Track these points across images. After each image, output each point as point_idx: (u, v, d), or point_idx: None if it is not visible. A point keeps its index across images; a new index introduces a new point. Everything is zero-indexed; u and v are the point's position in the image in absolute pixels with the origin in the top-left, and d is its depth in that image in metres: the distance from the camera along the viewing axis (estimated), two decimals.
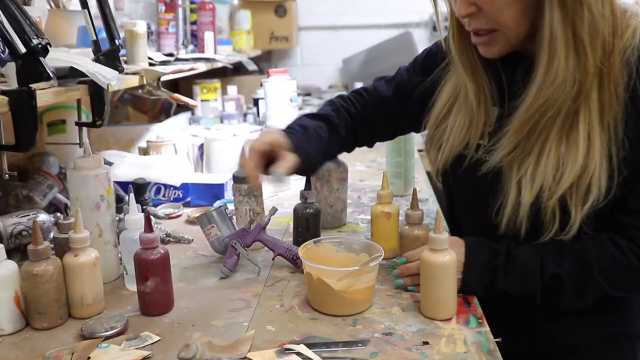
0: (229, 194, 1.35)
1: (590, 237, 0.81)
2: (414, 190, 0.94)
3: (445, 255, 0.79)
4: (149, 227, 0.83)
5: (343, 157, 1.23)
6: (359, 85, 2.50)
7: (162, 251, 0.83)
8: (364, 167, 1.72)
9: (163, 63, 1.39)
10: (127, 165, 1.38)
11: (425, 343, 0.75)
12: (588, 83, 0.76)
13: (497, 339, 0.76)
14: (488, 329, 0.78)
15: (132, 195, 0.93)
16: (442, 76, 0.96)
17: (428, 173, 1.66)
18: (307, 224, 1.03)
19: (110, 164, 1.34)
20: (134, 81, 1.19)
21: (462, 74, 0.89)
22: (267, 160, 0.90)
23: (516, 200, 0.82)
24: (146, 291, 0.82)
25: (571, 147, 0.78)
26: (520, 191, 0.81)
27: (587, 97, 0.76)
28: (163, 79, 1.26)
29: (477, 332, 0.77)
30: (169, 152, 1.52)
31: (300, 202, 1.04)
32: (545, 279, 0.81)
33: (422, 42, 2.91)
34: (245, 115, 2.10)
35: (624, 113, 0.77)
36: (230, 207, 1.12)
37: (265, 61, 3.04)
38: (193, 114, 2.07)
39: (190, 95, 2.05)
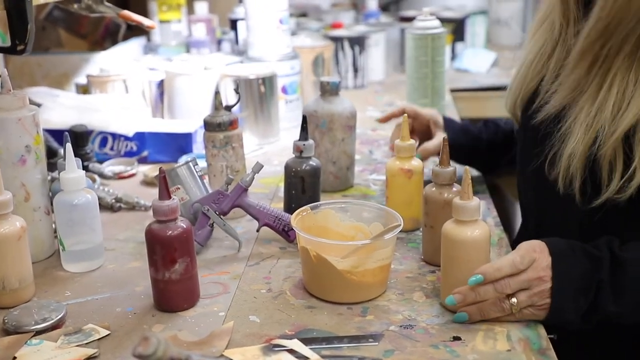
0: (198, 146, 1.35)
1: None
2: (444, 140, 0.93)
3: (475, 229, 0.79)
4: (166, 192, 0.79)
5: (351, 99, 1.23)
6: (372, 3, 2.47)
7: (184, 224, 0.81)
8: (378, 112, 1.72)
9: None
10: (61, 108, 1.38)
11: (457, 338, 0.76)
12: None
13: (551, 336, 0.77)
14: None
15: (69, 147, 0.93)
16: None
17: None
18: (303, 185, 1.03)
19: (38, 105, 1.33)
20: None
21: None
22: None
23: (568, 148, 0.84)
24: (172, 278, 0.81)
25: None
26: (573, 137, 0.83)
27: None
28: None
29: (525, 325, 0.78)
30: (118, 91, 1.51)
31: (293, 156, 1.05)
32: None
33: None
34: (219, 42, 2.08)
35: None
36: (201, 163, 1.13)
37: None
38: (149, 39, 2.05)
39: (144, 13, 2.02)
